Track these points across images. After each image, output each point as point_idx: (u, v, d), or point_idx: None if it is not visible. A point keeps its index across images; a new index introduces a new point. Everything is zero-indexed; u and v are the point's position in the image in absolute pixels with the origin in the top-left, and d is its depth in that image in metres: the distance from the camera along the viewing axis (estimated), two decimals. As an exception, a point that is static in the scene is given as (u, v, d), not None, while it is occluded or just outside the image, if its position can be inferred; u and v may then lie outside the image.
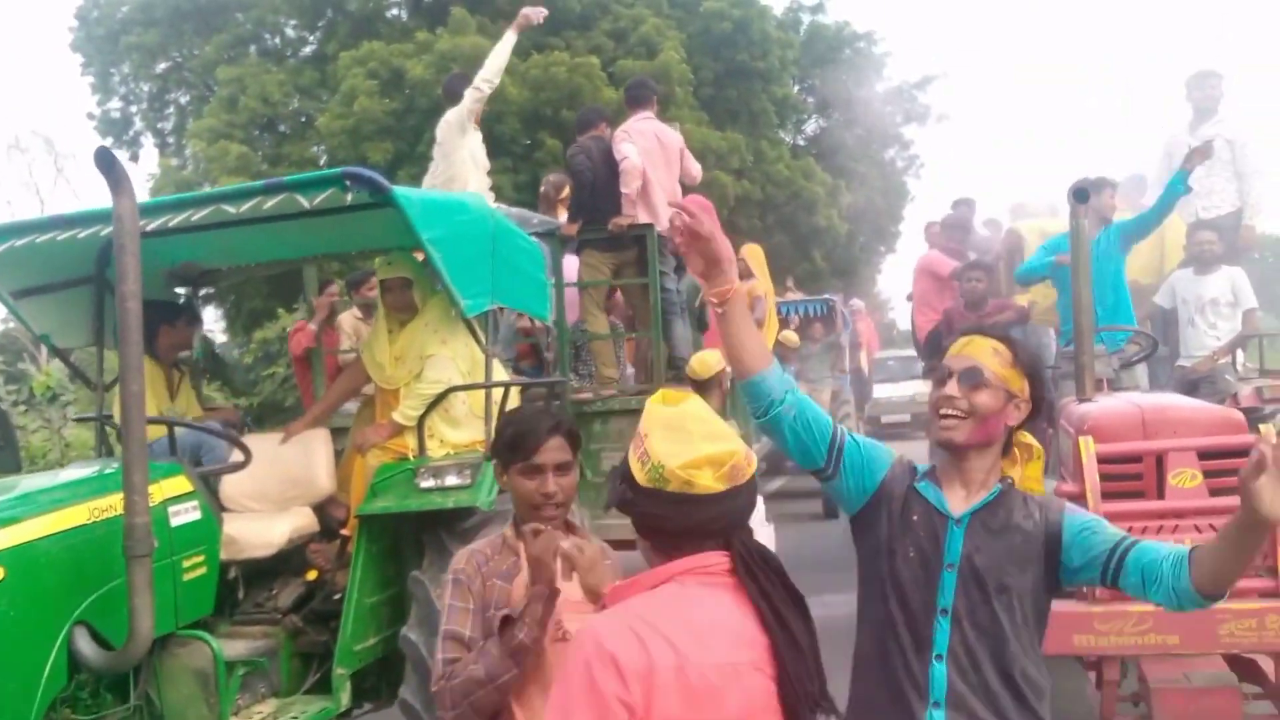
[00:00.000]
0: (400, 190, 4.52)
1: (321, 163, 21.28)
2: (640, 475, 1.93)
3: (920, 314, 9.05)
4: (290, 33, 23.66)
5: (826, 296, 15.62)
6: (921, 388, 17.97)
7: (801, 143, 27.52)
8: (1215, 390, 6.49)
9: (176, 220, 4.26)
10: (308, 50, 23.36)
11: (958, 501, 2.40)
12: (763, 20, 23.08)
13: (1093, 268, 5.81)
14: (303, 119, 22.06)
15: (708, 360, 6.05)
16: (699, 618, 1.85)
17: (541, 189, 8.46)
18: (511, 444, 2.65)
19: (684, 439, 1.90)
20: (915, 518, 2.40)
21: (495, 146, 18.61)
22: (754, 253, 11.23)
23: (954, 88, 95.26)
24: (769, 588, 1.91)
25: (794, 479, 14.03)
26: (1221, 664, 4.52)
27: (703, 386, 5.89)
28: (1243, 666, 4.57)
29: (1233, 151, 7.67)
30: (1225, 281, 6.94)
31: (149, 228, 4.15)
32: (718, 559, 1.92)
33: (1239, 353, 7.33)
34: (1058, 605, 4.02)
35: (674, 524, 1.92)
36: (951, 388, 2.40)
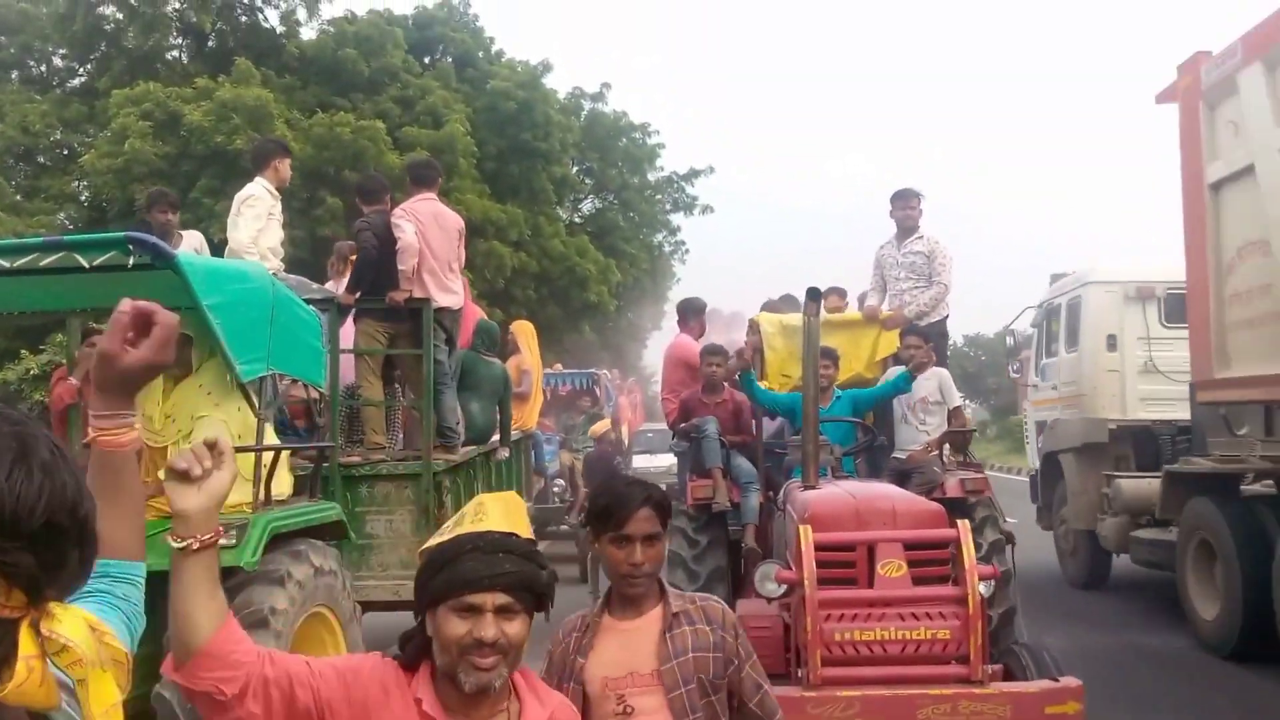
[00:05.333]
0: (184, 256, 4.70)
1: (83, 199, 20.47)
2: None
3: (665, 398, 8.77)
4: (58, 62, 22.81)
5: (592, 370, 16.21)
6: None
7: (578, 220, 28.41)
8: (925, 480, 6.88)
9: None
10: (76, 82, 22.54)
11: None
12: (546, 103, 23.96)
13: (823, 428, 6.34)
14: (64, 152, 21.21)
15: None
16: None
17: (336, 249, 8.63)
18: (603, 514, 2.71)
19: None
20: None
21: (272, 201, 18.55)
22: (523, 329, 11.74)
23: (720, 183, 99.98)
24: None
25: (553, 543, 14.39)
26: None
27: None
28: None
29: (930, 265, 8.17)
30: (934, 381, 7.41)
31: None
32: None
33: (945, 446, 7.65)
34: (778, 690, 4.05)
35: None
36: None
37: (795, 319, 7.85)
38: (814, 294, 5.91)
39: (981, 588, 4.64)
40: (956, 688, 4.46)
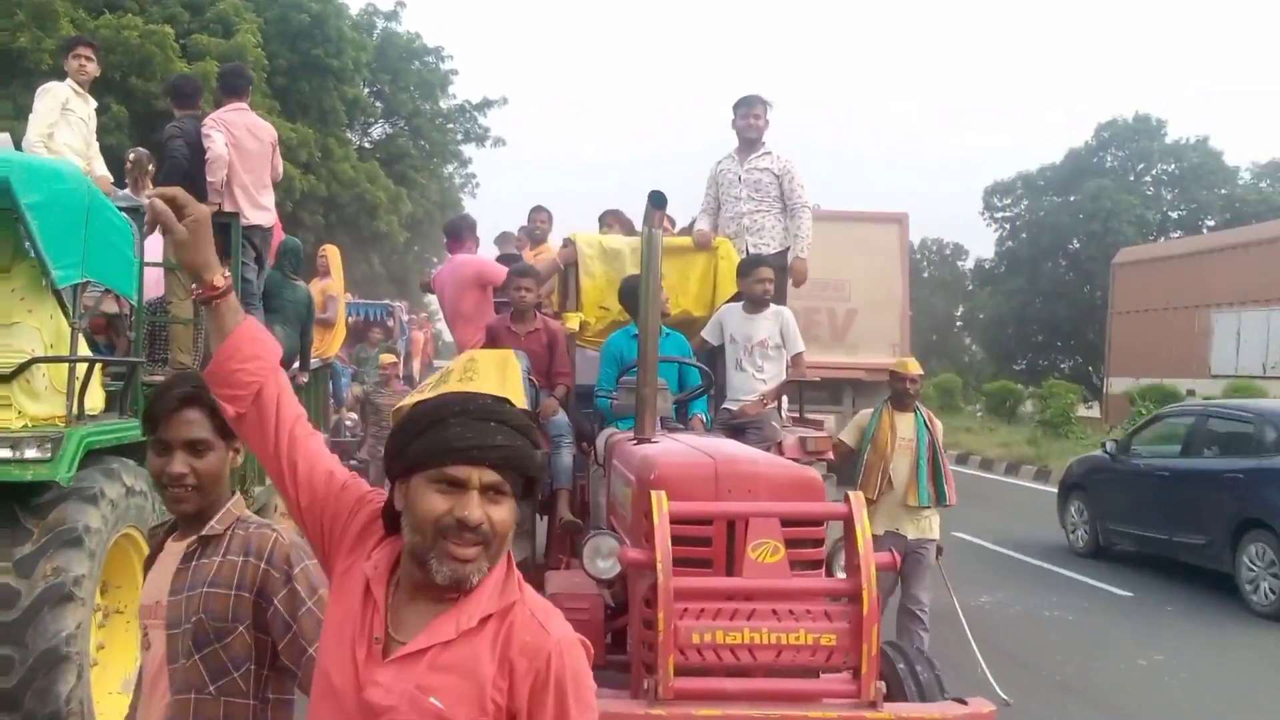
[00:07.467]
0: (3, 152, 4.40)
1: None
2: None
3: (462, 329, 7.53)
4: None
5: (386, 302, 15.89)
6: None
7: (367, 145, 27.62)
8: (762, 437, 5.95)
9: None
10: None
11: None
12: (339, 18, 23.09)
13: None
14: None
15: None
16: None
17: (131, 158, 8.12)
18: (145, 415, 2.30)
19: None
20: None
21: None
22: (333, 253, 11.45)
23: (514, 115, 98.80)
24: None
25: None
26: None
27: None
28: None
29: (780, 186, 7.16)
30: (774, 322, 6.33)
31: None
32: None
33: (784, 398, 6.83)
34: (613, 704, 3.51)
35: None
36: None
37: (617, 240, 7.20)
38: (658, 199, 4.55)
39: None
40: (842, 710, 3.58)
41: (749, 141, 7.25)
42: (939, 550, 6.62)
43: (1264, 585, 8.98)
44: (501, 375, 1.85)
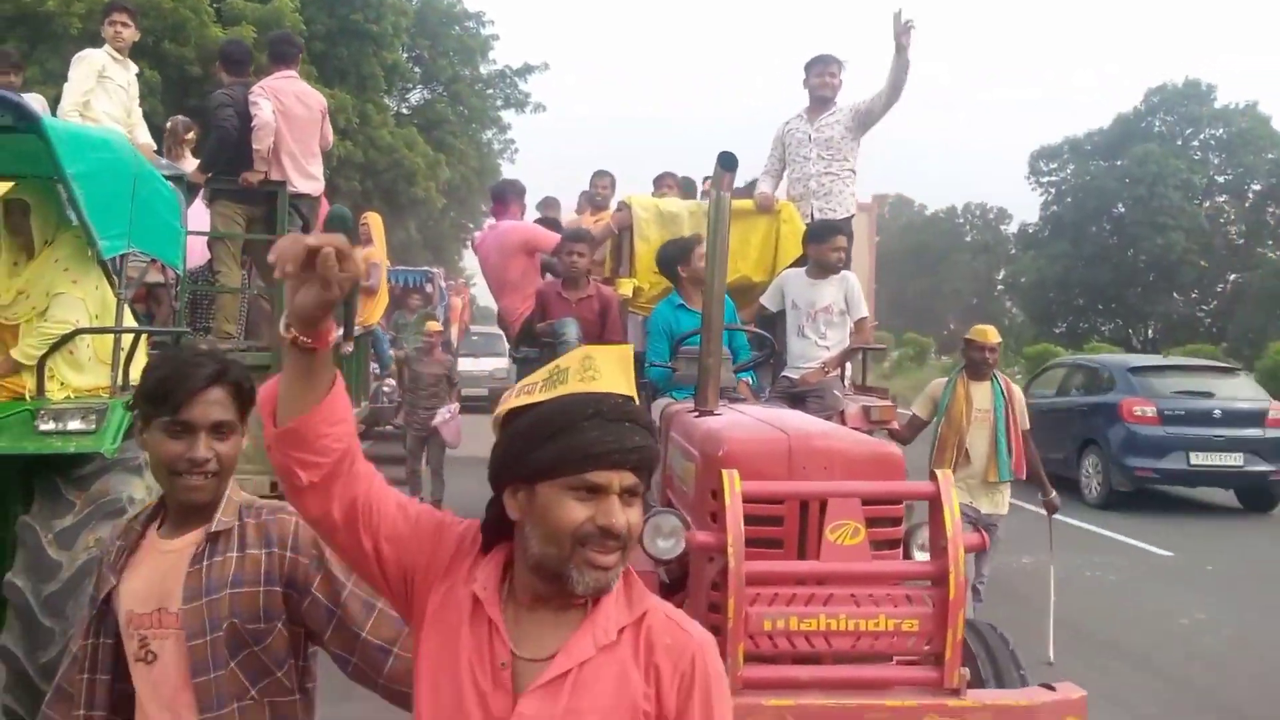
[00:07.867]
0: (49, 120, 4.35)
1: None
2: None
3: (509, 296, 7.36)
4: None
5: (425, 269, 15.87)
6: (502, 364, 18.77)
7: (405, 111, 27.52)
8: (824, 406, 5.68)
9: None
10: None
11: None
12: (379, -18, 22.91)
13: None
14: None
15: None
16: None
17: (168, 126, 8.12)
18: (156, 392, 2.07)
19: None
20: None
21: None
22: (375, 220, 11.41)
23: (554, 81, 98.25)
24: None
25: (377, 444, 14.21)
26: None
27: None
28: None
29: (857, 125, 6.91)
30: (839, 288, 6.04)
31: None
32: None
33: (847, 366, 6.62)
34: None
35: None
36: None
37: (675, 204, 7.07)
38: (727, 161, 4.40)
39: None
40: (924, 697, 3.38)
41: (822, 100, 7.02)
42: (1052, 508, 6.61)
43: (1093, 484, 12.50)
44: (625, 372, 1.69)
